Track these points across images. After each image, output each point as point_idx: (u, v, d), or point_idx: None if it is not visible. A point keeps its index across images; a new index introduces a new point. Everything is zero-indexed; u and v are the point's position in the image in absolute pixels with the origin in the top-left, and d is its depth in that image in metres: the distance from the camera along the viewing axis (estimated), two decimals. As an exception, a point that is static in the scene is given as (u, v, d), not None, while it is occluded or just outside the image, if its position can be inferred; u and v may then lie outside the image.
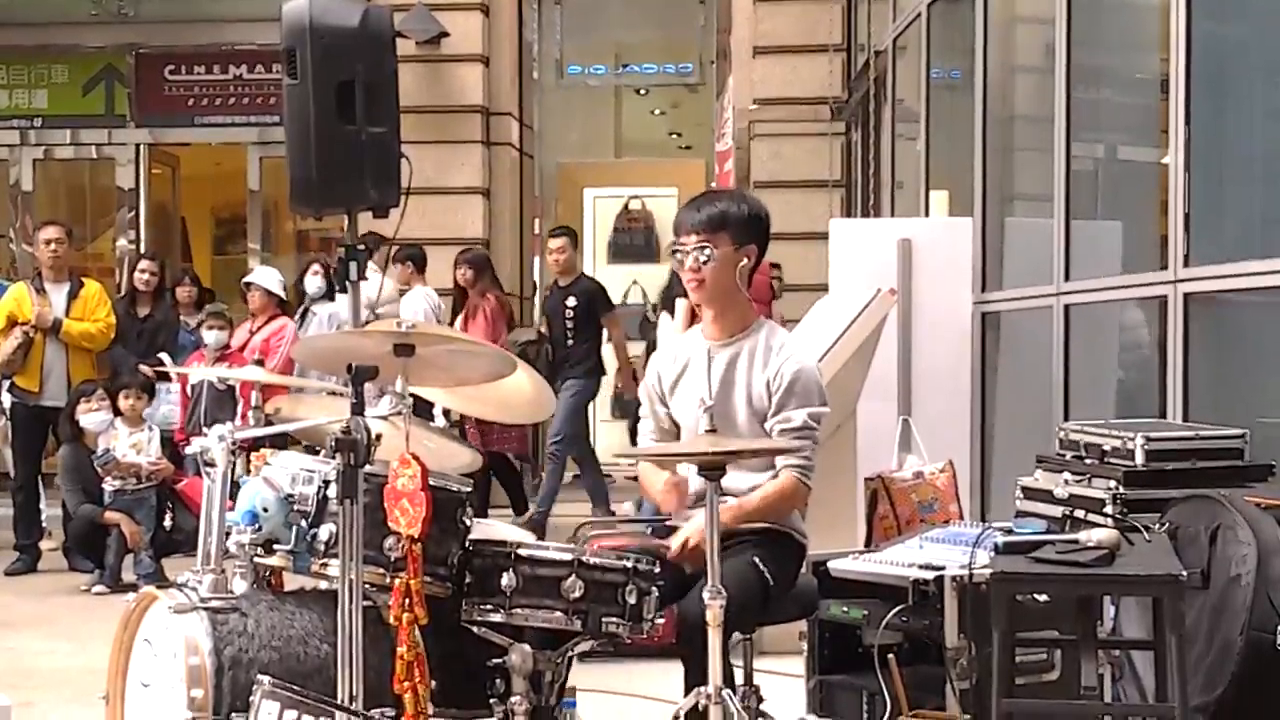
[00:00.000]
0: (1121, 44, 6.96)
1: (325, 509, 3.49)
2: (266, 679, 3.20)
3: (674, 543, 3.81)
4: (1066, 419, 5.93)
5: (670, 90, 15.40)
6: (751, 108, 11.47)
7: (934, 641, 3.99)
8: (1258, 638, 3.67)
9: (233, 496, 3.64)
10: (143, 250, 12.07)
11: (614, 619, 3.51)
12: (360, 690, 3.23)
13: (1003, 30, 7.80)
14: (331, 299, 9.19)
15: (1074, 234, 6.37)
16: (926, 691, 4.04)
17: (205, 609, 3.46)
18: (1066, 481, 4.62)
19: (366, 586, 3.37)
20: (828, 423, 3.96)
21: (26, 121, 13.00)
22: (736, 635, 3.83)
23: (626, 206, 14.44)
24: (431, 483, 3.32)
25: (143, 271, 9.34)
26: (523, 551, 3.52)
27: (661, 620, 3.63)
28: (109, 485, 7.90)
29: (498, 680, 3.57)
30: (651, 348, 9.35)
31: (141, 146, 13.07)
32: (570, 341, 9.26)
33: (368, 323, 4.74)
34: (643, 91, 15.72)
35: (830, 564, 4.32)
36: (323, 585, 3.66)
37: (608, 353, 9.80)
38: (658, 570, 3.61)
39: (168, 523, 7.95)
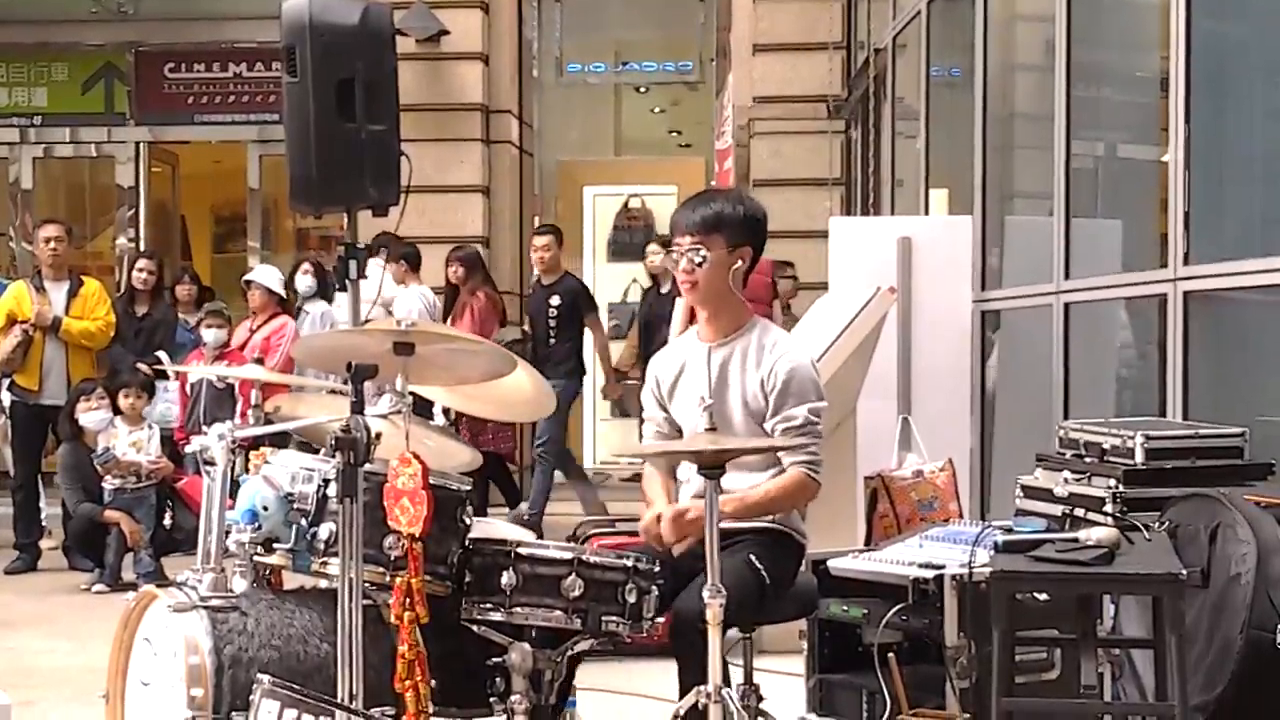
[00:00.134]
0: (1121, 42, 6.96)
1: (325, 508, 3.49)
2: (266, 678, 3.20)
3: (666, 511, 3.78)
4: (1066, 417, 5.93)
5: (670, 88, 15.39)
6: (751, 105, 11.47)
7: (934, 640, 3.99)
8: (1257, 636, 3.67)
9: (232, 495, 3.64)
10: (142, 248, 12.08)
11: (614, 618, 3.52)
12: (360, 689, 3.23)
13: (1003, 28, 7.80)
14: (324, 297, 9.23)
15: (1074, 232, 6.36)
16: (926, 690, 4.03)
17: (205, 608, 3.46)
18: (1066, 480, 4.63)
19: (366, 585, 3.37)
20: (827, 419, 3.96)
21: (26, 119, 13.00)
22: (735, 634, 3.83)
23: (626, 204, 14.43)
24: (432, 481, 3.32)
25: (141, 270, 9.34)
26: (523, 550, 3.53)
27: (661, 619, 3.63)
28: (109, 484, 7.90)
29: (498, 679, 3.57)
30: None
31: (141, 144, 13.07)
32: (552, 341, 9.21)
33: (366, 321, 4.73)
34: (643, 89, 15.72)
35: (830, 563, 4.32)
36: (322, 584, 3.66)
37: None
38: (658, 569, 3.61)
39: (167, 521, 7.96)
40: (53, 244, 8.61)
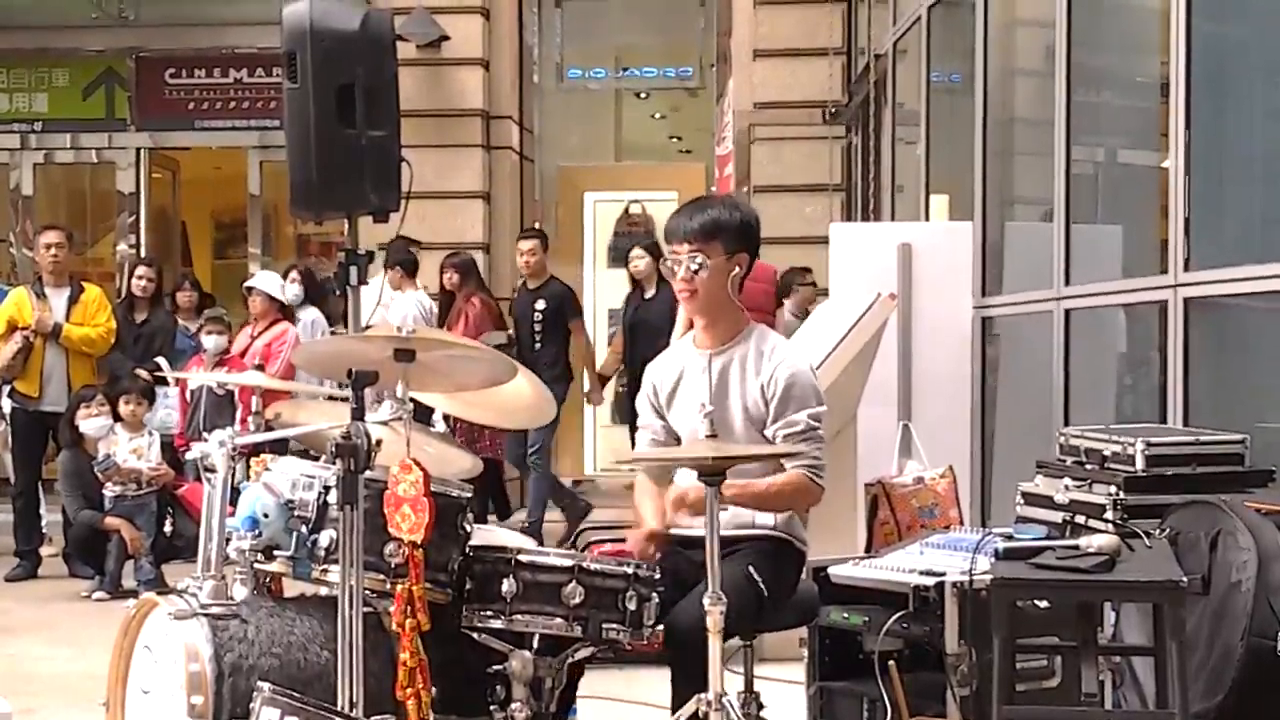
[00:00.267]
0: (1122, 47, 6.96)
1: (326, 515, 3.50)
2: (267, 685, 3.20)
3: (669, 494, 3.77)
4: (1067, 424, 5.93)
5: (670, 94, 15.39)
6: (751, 111, 11.47)
7: (934, 648, 3.98)
8: (1258, 644, 3.66)
9: (233, 502, 3.64)
10: (143, 255, 12.08)
11: (614, 625, 3.52)
12: (360, 697, 3.23)
13: (1003, 33, 7.79)
14: (313, 304, 9.24)
15: (1074, 238, 6.36)
16: (927, 698, 4.03)
17: (205, 615, 3.46)
18: (1067, 487, 4.61)
19: (367, 592, 3.37)
20: (827, 425, 3.96)
21: (27, 125, 13.01)
22: (735, 642, 3.82)
23: (627, 210, 14.42)
24: (432, 488, 3.32)
25: (140, 278, 9.35)
26: (523, 558, 3.53)
27: (661, 627, 3.62)
28: (109, 491, 7.89)
29: (498, 687, 3.57)
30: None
31: (142, 150, 13.08)
32: (538, 345, 9.13)
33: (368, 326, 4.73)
34: (643, 95, 15.72)
35: (830, 570, 4.31)
36: (323, 591, 3.66)
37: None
38: (658, 576, 3.60)
39: (168, 528, 7.95)
40: (53, 250, 8.62)
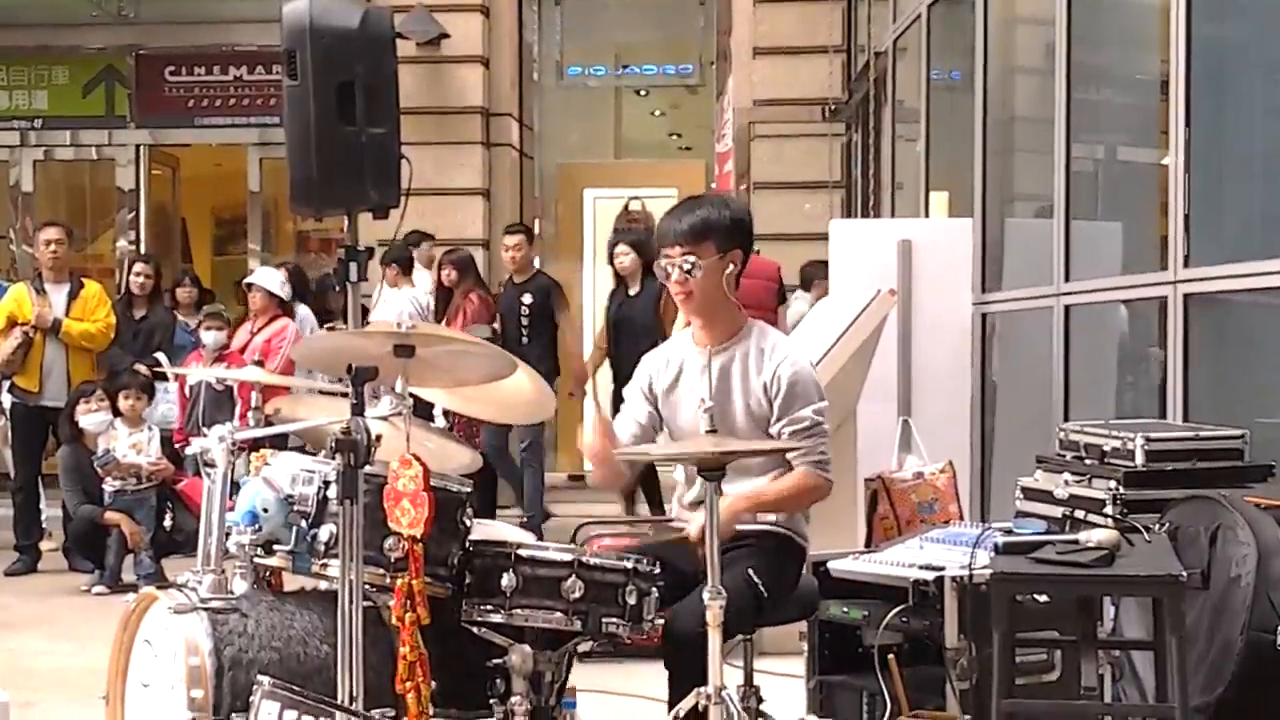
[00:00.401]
0: (1121, 44, 6.96)
1: (325, 509, 3.50)
2: (266, 679, 3.20)
3: (693, 524, 3.76)
4: (1066, 419, 5.93)
5: (670, 91, 15.38)
6: (751, 108, 11.47)
7: (934, 642, 3.99)
8: (1258, 638, 3.67)
9: (233, 497, 3.64)
10: (142, 251, 12.08)
11: (614, 619, 3.52)
12: (360, 690, 3.23)
13: (1003, 31, 7.80)
14: (304, 301, 9.24)
15: (1074, 235, 6.36)
16: (927, 692, 4.04)
17: (205, 609, 3.46)
18: (1066, 482, 4.62)
19: (366, 587, 3.37)
20: (828, 417, 3.96)
21: (27, 122, 13.02)
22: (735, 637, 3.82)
23: (626, 207, 14.39)
24: (432, 483, 3.32)
25: (138, 274, 9.35)
26: (523, 552, 3.53)
27: (661, 621, 3.62)
28: (109, 486, 7.90)
29: (498, 680, 3.58)
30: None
31: (142, 147, 13.09)
32: (525, 340, 9.05)
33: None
34: (643, 92, 15.71)
35: (830, 564, 4.32)
36: (323, 586, 3.66)
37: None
38: (658, 571, 3.61)
39: (168, 523, 7.96)
40: (53, 246, 8.62)
